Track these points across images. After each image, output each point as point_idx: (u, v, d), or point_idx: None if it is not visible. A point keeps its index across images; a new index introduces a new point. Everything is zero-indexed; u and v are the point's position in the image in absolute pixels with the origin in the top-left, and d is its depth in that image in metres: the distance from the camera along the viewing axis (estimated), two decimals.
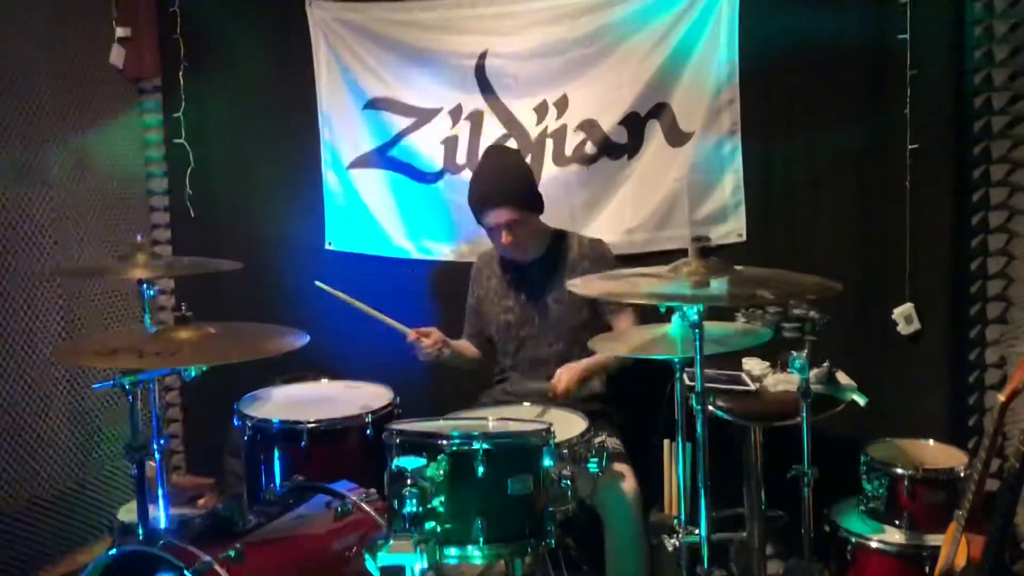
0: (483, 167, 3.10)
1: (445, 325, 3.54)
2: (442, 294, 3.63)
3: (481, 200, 2.99)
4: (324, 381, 3.18)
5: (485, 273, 3.21)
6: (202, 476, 3.68)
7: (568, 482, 2.24)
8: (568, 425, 2.46)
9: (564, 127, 3.40)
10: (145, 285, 2.80)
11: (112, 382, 2.23)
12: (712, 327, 2.42)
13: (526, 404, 2.79)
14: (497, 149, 3.23)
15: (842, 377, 2.76)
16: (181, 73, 3.93)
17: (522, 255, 3.06)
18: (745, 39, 3.18)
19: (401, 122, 3.64)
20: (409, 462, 2.06)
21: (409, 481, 2.02)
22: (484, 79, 3.49)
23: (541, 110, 3.43)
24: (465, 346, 3.24)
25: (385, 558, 1.97)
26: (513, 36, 3.44)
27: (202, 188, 3.98)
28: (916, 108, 3.02)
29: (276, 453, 2.77)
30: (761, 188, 3.25)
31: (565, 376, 2.82)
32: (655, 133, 3.33)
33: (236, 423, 2.86)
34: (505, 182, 2.98)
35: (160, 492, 2.46)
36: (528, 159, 3.35)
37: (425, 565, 1.97)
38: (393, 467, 2.09)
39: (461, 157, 3.56)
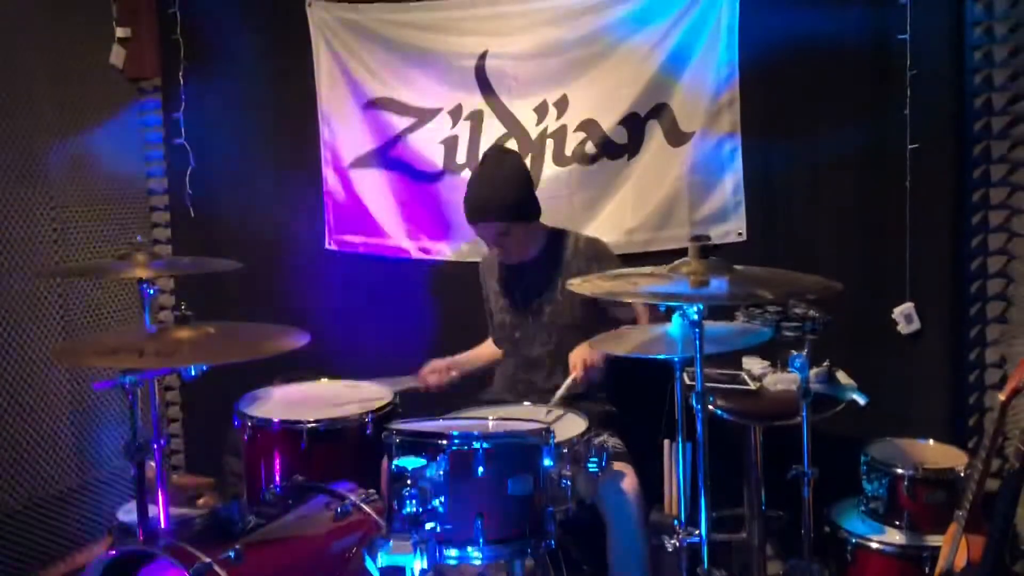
0: (477, 175, 3.03)
1: (446, 325, 3.56)
2: (442, 294, 3.63)
3: (471, 212, 2.96)
4: (324, 381, 3.17)
5: (488, 272, 3.22)
6: (202, 476, 3.69)
7: (568, 482, 2.24)
8: (568, 425, 2.46)
9: (564, 127, 3.40)
10: (145, 285, 2.79)
11: (112, 382, 2.23)
12: (712, 326, 2.42)
13: (526, 404, 2.79)
14: (494, 155, 3.13)
15: (842, 376, 2.76)
16: (181, 73, 3.92)
17: (516, 259, 3.05)
18: (745, 39, 3.18)
19: (401, 122, 3.64)
20: (409, 462, 2.07)
21: (409, 481, 2.02)
22: (484, 79, 3.49)
23: (541, 110, 3.43)
24: (478, 355, 3.26)
25: (385, 558, 1.97)
26: (513, 36, 3.44)
27: (202, 188, 3.98)
28: (916, 108, 3.02)
29: (276, 453, 2.77)
30: (761, 188, 3.25)
31: (583, 358, 2.79)
32: (655, 133, 3.33)
33: (236, 423, 2.86)
34: (495, 194, 2.92)
35: (160, 492, 2.46)
36: (528, 159, 3.35)
37: (425, 565, 1.97)
38: (393, 467, 2.09)
39: (461, 157, 3.56)
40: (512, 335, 3.10)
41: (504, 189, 2.94)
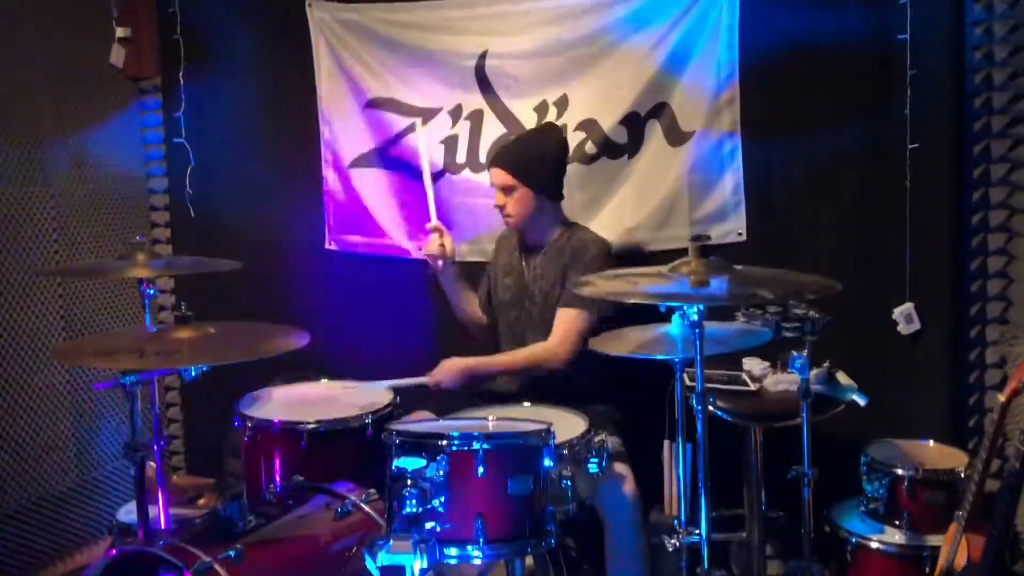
0: (519, 134, 3.30)
1: (446, 325, 3.56)
2: (441, 295, 3.63)
3: (489, 157, 3.20)
4: (324, 381, 3.17)
5: (502, 245, 3.27)
6: (202, 476, 3.69)
7: (568, 482, 2.24)
8: (568, 425, 2.46)
9: (564, 127, 3.39)
10: (145, 285, 2.79)
11: (112, 382, 2.23)
12: (712, 327, 2.42)
13: (526, 404, 2.79)
14: (544, 124, 3.32)
15: (842, 377, 2.76)
16: (181, 73, 3.92)
17: (513, 224, 3.09)
18: (745, 39, 3.18)
19: (401, 122, 3.63)
20: (409, 462, 2.06)
21: (409, 481, 2.02)
22: (484, 79, 3.49)
23: (541, 110, 3.43)
24: (472, 295, 3.33)
25: (385, 558, 1.97)
26: (513, 36, 3.44)
27: (202, 188, 3.98)
28: (916, 108, 3.02)
29: (276, 453, 2.77)
30: (761, 188, 3.25)
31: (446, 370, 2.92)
32: (655, 133, 3.33)
33: (236, 423, 2.86)
34: (516, 148, 3.10)
35: (160, 492, 2.46)
36: None
37: (425, 565, 1.97)
38: (393, 467, 2.09)
39: (461, 157, 3.56)
40: (507, 315, 3.14)
41: (528, 148, 3.10)
